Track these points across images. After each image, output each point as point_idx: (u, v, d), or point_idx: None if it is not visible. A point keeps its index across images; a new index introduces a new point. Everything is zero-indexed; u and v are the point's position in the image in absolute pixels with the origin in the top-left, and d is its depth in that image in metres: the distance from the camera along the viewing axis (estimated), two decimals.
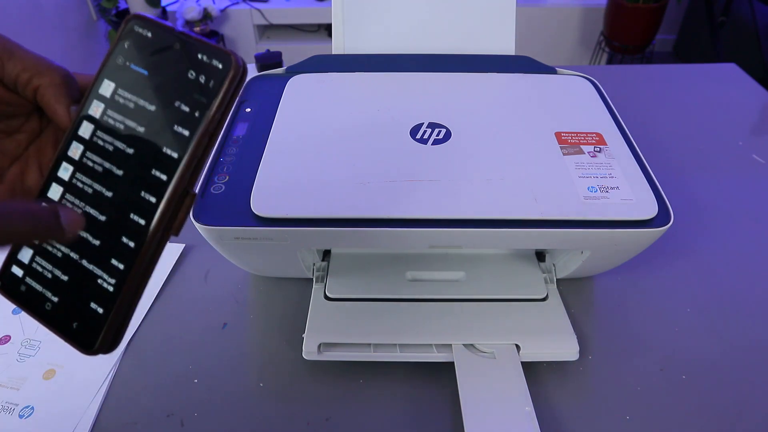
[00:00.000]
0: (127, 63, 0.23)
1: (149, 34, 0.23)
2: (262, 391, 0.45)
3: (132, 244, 0.22)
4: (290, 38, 2.43)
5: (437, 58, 0.59)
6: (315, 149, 0.45)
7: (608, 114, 0.51)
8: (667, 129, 0.76)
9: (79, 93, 0.25)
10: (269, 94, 0.53)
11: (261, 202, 0.41)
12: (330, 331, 0.46)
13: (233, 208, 0.41)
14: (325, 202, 0.41)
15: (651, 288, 0.54)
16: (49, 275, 0.23)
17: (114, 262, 0.22)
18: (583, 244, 0.43)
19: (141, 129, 0.23)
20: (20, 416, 0.44)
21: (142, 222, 0.22)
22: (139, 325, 0.50)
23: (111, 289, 0.22)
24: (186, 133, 0.22)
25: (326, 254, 0.53)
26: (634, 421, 0.43)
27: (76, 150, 0.24)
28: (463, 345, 0.45)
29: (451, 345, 0.45)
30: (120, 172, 0.23)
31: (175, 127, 0.22)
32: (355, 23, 0.60)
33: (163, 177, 0.22)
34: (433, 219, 0.40)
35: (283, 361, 0.47)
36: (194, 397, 0.45)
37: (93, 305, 0.23)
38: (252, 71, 0.83)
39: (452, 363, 0.44)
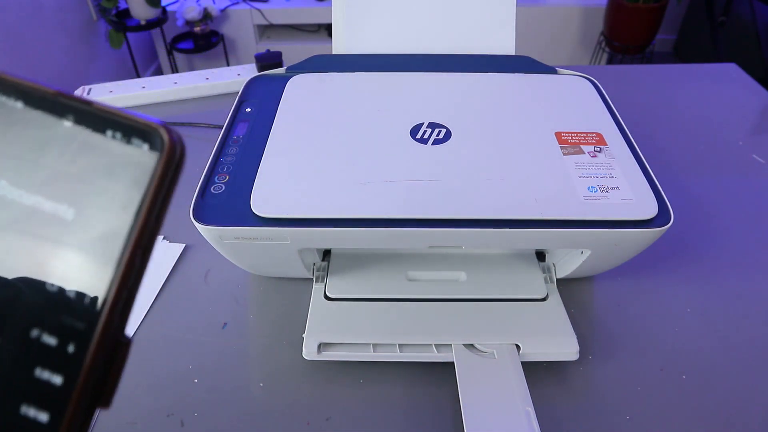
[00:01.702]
0: None
1: (19, 105, 0.15)
2: (262, 391, 0.45)
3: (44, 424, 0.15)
4: (290, 38, 2.43)
5: (437, 58, 0.59)
6: (315, 149, 0.45)
7: (608, 114, 0.51)
8: (667, 129, 0.76)
9: None
10: (269, 94, 0.53)
11: (261, 202, 0.41)
12: (330, 331, 0.46)
13: (233, 208, 0.41)
14: (325, 202, 0.41)
15: (651, 288, 0.54)
16: None
17: None
18: (583, 244, 0.43)
19: (34, 269, 0.15)
20: None
21: (55, 396, 0.16)
22: (139, 324, 0.50)
23: None
24: (103, 261, 0.15)
25: (326, 254, 0.53)
26: (634, 421, 0.43)
27: None
28: (463, 345, 0.45)
29: (451, 345, 0.45)
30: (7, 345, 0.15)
31: (89, 252, 0.15)
32: (355, 23, 0.60)
33: (80, 325, 0.15)
34: (433, 219, 0.40)
35: (283, 361, 0.47)
36: (194, 397, 0.45)
37: None
38: (252, 71, 0.83)
39: (452, 363, 0.44)
